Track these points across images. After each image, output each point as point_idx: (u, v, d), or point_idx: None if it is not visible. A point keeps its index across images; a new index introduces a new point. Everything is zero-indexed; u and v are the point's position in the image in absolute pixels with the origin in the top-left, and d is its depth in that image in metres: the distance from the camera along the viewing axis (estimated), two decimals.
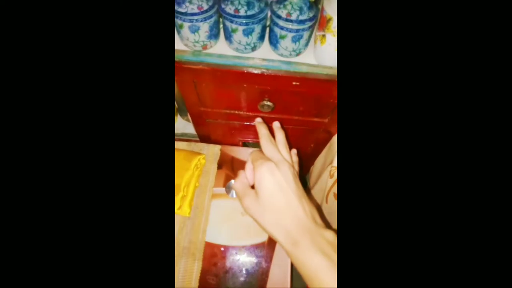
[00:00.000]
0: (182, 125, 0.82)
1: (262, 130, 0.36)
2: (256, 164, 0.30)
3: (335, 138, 0.67)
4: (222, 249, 0.55)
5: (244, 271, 0.53)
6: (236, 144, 0.77)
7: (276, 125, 0.38)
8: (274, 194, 0.28)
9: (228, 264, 0.53)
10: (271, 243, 0.56)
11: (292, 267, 0.56)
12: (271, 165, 0.29)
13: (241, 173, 0.33)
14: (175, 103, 0.79)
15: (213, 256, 0.54)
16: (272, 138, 0.35)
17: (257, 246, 0.56)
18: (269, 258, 0.55)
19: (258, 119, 0.38)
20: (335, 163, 0.65)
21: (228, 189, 0.61)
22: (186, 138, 0.80)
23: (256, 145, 0.79)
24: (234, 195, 0.60)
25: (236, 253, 0.55)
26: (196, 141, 0.72)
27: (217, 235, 0.56)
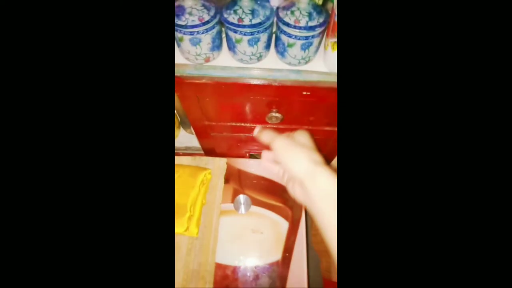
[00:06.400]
0: (186, 138, 0.79)
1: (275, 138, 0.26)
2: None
3: None
4: (233, 270, 0.51)
5: None
6: (243, 156, 0.74)
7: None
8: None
9: (240, 286, 0.50)
10: (285, 262, 0.53)
11: (309, 286, 0.53)
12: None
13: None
14: (178, 116, 0.76)
15: (225, 278, 0.51)
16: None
17: (271, 265, 0.53)
18: (284, 278, 0.52)
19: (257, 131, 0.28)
20: None
21: (237, 204, 0.57)
22: (190, 152, 0.77)
23: None
24: (243, 211, 0.57)
25: (248, 274, 0.51)
26: (201, 155, 0.69)
27: (228, 255, 0.52)
